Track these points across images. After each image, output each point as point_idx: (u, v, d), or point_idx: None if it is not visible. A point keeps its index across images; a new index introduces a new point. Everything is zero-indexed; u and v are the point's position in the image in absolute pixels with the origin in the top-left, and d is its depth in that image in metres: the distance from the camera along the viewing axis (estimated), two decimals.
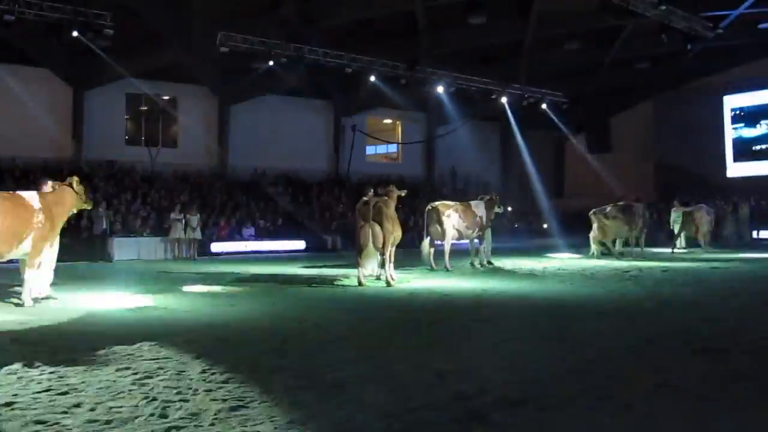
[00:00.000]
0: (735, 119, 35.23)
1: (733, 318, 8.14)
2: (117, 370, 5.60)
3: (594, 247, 19.60)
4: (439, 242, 16.12)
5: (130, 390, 4.96)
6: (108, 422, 4.20)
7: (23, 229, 9.24)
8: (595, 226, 19.29)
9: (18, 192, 10.10)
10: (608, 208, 19.23)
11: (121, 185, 25.53)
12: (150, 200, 25.22)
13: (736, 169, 34.89)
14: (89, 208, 12.05)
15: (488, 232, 17.24)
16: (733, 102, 35.18)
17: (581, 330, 7.40)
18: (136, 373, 5.48)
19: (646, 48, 30.46)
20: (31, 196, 9.56)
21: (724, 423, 4.16)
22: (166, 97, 29.81)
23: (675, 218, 23.23)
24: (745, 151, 34.76)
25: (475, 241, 16.83)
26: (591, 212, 19.48)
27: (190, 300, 10.49)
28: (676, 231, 23.12)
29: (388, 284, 12.19)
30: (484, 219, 16.54)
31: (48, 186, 10.24)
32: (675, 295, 10.62)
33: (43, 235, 9.44)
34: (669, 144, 35.69)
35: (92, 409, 4.46)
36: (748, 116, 34.71)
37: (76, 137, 26.62)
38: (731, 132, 35.33)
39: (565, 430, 4.07)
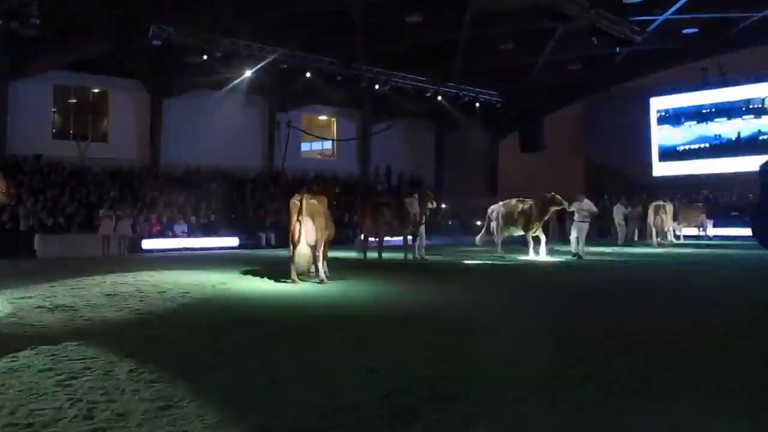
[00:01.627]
0: (660, 120, 36.44)
1: (657, 312, 8.41)
2: (39, 371, 5.43)
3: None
4: (373, 239, 16.17)
5: (53, 392, 4.81)
6: (29, 425, 4.07)
7: None
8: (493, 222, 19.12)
9: None
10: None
11: (48, 180, 24.71)
12: (78, 196, 24.50)
13: (661, 169, 36.09)
14: (12, 203, 11.64)
15: (422, 229, 17.38)
16: (659, 104, 36.38)
17: (511, 324, 7.54)
18: (60, 374, 5.32)
19: (577, 50, 31.17)
20: None
21: (647, 413, 4.30)
22: (96, 90, 29.02)
23: (616, 214, 24.94)
24: (669, 151, 35.98)
25: (409, 237, 16.94)
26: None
27: (119, 299, 10.24)
28: (620, 227, 24.46)
29: (322, 281, 12.16)
30: (418, 216, 16.67)
31: None
32: (600, 289, 10.91)
33: None
34: (598, 144, 36.72)
35: (12, 412, 4.31)
36: (673, 118, 35.95)
37: (0, 130, 25.61)
38: (657, 133, 36.52)
39: (495, 423, 4.13)
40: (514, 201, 18.69)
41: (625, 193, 30.13)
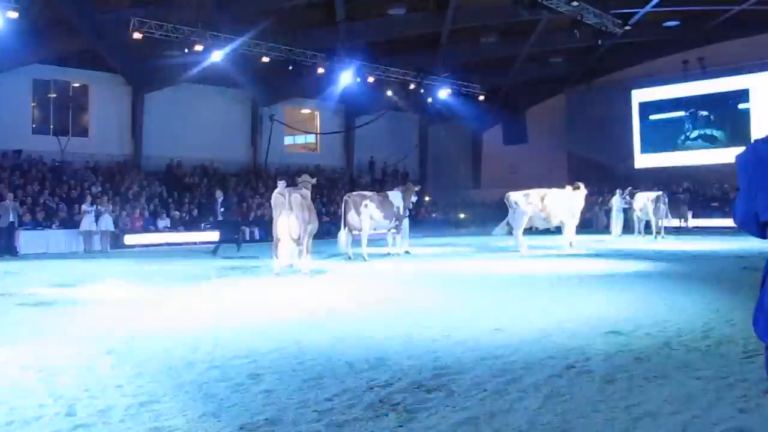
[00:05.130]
0: (642, 112, 36.66)
1: (636, 302, 8.50)
2: (21, 368, 5.42)
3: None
4: (356, 232, 16.20)
5: (34, 388, 4.80)
6: (9, 423, 4.06)
7: None
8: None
9: None
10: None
11: (28, 176, 24.50)
12: (59, 191, 24.31)
13: (643, 161, 36.33)
14: None
15: (405, 222, 17.42)
16: (640, 96, 36.59)
17: (492, 315, 7.59)
18: (41, 371, 5.30)
19: (559, 43, 31.30)
20: None
21: (627, 401, 4.36)
22: (76, 84, 28.77)
23: (615, 205, 25.02)
24: (651, 143, 36.23)
25: (393, 230, 16.98)
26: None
27: (101, 294, 10.22)
28: (615, 217, 24.53)
29: (305, 275, 12.18)
30: (401, 209, 16.70)
31: None
32: (582, 280, 11.00)
33: None
34: (581, 136, 36.89)
35: None
36: (655, 110, 36.17)
37: None
38: (639, 124, 36.76)
39: (476, 413, 4.17)
40: (541, 191, 17.99)
41: (622, 185, 29.95)
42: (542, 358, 5.60)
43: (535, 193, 17.77)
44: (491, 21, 29.11)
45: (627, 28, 27.70)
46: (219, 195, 19.15)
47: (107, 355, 5.84)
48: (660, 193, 23.91)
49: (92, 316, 8.11)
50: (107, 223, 21.45)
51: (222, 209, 18.72)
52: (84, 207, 21.34)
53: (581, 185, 18.32)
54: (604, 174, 34.81)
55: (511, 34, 30.78)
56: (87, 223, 21.14)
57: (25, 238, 20.41)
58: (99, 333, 6.91)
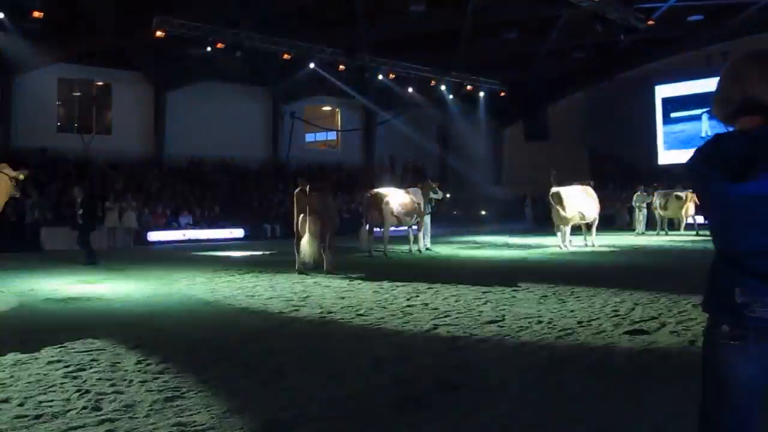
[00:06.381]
0: (665, 108, 36.27)
1: (661, 300, 8.41)
2: (48, 363, 5.47)
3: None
4: (378, 229, 16.20)
5: (61, 383, 4.85)
6: (37, 417, 4.10)
7: None
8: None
9: None
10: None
11: (53, 173, 24.78)
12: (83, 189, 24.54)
13: (666, 157, 35.96)
14: (17, 195, 11.63)
15: (427, 219, 17.40)
16: (664, 91, 36.20)
17: (516, 314, 7.55)
18: (68, 366, 5.36)
19: (580, 38, 31.03)
20: None
21: (650, 401, 4.32)
22: (99, 83, 29.03)
23: (637, 202, 24.90)
24: (674, 139, 35.85)
25: (414, 227, 16.96)
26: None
27: (126, 290, 10.29)
28: (638, 214, 24.35)
29: (327, 272, 12.20)
30: (423, 205, 16.68)
31: None
32: (606, 278, 10.91)
33: None
34: (603, 132, 36.54)
35: (21, 404, 4.34)
36: (678, 105, 35.77)
37: (5, 124, 25.65)
38: (662, 120, 36.39)
39: (500, 411, 4.15)
40: (581, 187, 17.89)
41: (644, 181, 29.55)
42: (566, 357, 5.57)
43: (578, 189, 17.74)
44: (512, 16, 28.91)
45: (650, 23, 27.41)
46: (78, 194, 15.98)
47: (132, 351, 5.88)
48: (690, 191, 23.59)
49: (117, 311, 8.18)
50: (131, 219, 21.63)
51: (80, 211, 15.53)
52: (107, 204, 21.55)
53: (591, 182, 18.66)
54: (626, 171, 34.48)
55: (532, 30, 30.56)
56: (111, 219, 21.35)
57: (49, 235, 20.62)
58: (124, 328, 6.96)
